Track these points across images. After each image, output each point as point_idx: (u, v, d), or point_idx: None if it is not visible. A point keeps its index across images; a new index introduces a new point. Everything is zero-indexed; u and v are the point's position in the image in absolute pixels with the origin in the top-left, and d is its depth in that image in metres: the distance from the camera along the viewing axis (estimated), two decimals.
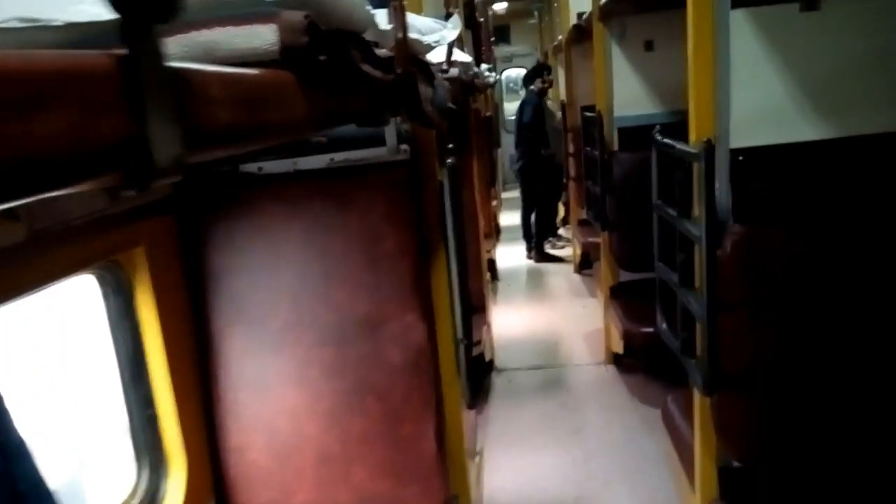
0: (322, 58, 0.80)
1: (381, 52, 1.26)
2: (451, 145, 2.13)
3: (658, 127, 2.19)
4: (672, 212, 1.92)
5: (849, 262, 1.70)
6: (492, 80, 7.73)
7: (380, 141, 1.80)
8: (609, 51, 3.66)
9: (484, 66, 5.41)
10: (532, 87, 6.52)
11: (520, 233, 7.46)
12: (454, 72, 2.60)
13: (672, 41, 3.68)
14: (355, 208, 1.78)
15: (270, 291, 1.82)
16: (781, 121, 1.73)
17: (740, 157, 1.72)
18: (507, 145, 11.98)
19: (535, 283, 6.20)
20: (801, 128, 1.73)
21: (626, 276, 3.91)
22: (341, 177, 1.81)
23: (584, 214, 5.94)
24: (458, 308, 1.97)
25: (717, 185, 1.70)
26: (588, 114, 3.99)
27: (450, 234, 1.87)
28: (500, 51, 11.53)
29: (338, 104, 0.98)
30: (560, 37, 6.57)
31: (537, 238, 6.86)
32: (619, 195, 3.64)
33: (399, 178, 1.76)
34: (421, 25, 1.49)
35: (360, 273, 1.78)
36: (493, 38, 9.43)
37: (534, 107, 6.38)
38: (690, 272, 1.86)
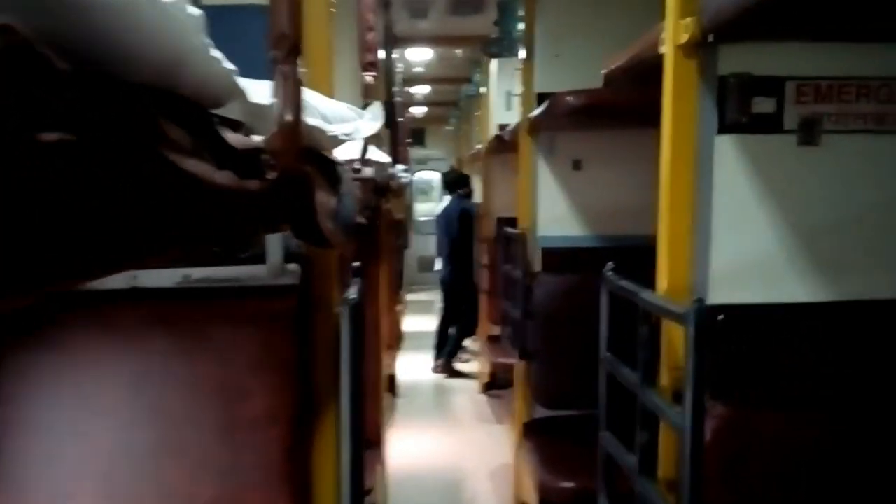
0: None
1: (256, 139, 0.80)
2: (357, 263, 1.67)
3: (611, 264, 1.82)
4: (633, 376, 1.51)
5: (859, 454, 1.34)
6: (406, 180, 7.48)
7: (258, 256, 1.31)
8: (536, 166, 3.39)
9: (399, 167, 5.09)
10: (457, 193, 6.26)
11: (423, 340, 7.01)
12: (368, 172, 2.19)
13: (603, 162, 3.47)
14: (212, 349, 1.25)
15: (72, 464, 1.23)
16: (771, 275, 1.39)
17: (720, 317, 1.36)
18: (417, 247, 11.73)
19: (438, 401, 5.67)
20: (793, 285, 1.39)
21: (542, 411, 3.50)
22: (197, 302, 1.29)
23: (494, 330, 5.58)
24: (347, 487, 1.44)
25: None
26: (510, 229, 3.68)
27: (345, 390, 1.37)
28: (415, 153, 11.47)
29: (143, 214, 0.50)
30: (478, 145, 6.43)
31: (451, 353, 6.41)
32: (542, 321, 3.27)
33: (281, 310, 1.27)
34: (328, 110, 1.06)
35: (209, 444, 1.23)
36: (409, 140, 9.31)
37: (462, 218, 6.10)
38: (654, 456, 1.45)
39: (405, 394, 5.75)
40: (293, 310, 1.26)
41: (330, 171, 1.03)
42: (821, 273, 1.38)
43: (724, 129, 1.35)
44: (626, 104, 2.67)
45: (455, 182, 6.39)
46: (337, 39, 2.22)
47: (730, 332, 1.37)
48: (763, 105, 1.35)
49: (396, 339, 5.59)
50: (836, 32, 1.30)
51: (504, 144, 4.90)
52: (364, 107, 1.92)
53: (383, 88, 3.61)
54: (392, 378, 5.48)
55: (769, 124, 1.36)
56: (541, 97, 3.32)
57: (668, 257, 1.39)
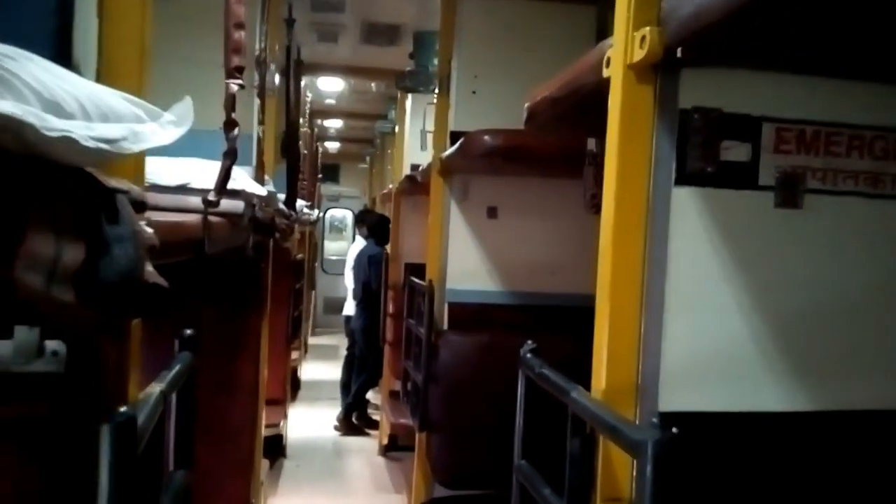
0: None
1: None
2: (189, 331, 1.21)
3: (530, 343, 1.45)
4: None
5: None
6: (312, 217, 6.99)
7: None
8: (447, 212, 3.04)
9: (301, 204, 4.63)
10: (372, 238, 5.82)
11: (325, 390, 6.52)
12: (231, 206, 1.75)
13: (521, 211, 3.16)
14: None
15: None
16: (737, 373, 1.05)
17: (674, 429, 1.00)
18: (325, 287, 11.15)
19: (331, 465, 5.10)
20: (765, 388, 1.06)
21: (443, 489, 3.08)
22: None
23: (397, 385, 5.13)
24: None
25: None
26: (416, 280, 3.29)
27: None
28: (328, 189, 10.99)
29: None
30: (390, 185, 6.07)
31: (350, 408, 5.87)
32: (446, 387, 2.87)
33: (19, 420, 0.80)
34: (86, 99, 0.63)
35: None
36: (320, 175, 8.84)
37: (375, 263, 5.64)
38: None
39: (295, 455, 5.16)
40: (44, 421, 0.80)
41: (76, 200, 0.61)
42: (801, 373, 1.06)
43: (683, 179, 1.02)
44: (550, 148, 2.37)
45: (375, 225, 5.94)
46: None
47: (683, 449, 1.00)
48: (734, 152, 1.03)
49: (287, 393, 5.03)
50: (830, 64, 1.00)
51: (416, 185, 4.55)
52: (224, 126, 1.50)
53: (280, 113, 3.19)
54: (279, 439, 4.90)
55: (741, 177, 1.04)
56: (455, 136, 3.00)
57: (607, 345, 1.02)
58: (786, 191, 1.04)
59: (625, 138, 1.00)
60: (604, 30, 2.38)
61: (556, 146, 2.38)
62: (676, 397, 1.02)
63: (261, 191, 2.09)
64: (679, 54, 0.90)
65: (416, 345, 3.13)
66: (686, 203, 1.02)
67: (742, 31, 0.87)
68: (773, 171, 1.04)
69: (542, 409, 1.41)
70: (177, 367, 1.02)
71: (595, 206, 2.27)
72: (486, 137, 2.39)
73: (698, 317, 1.03)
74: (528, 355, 1.37)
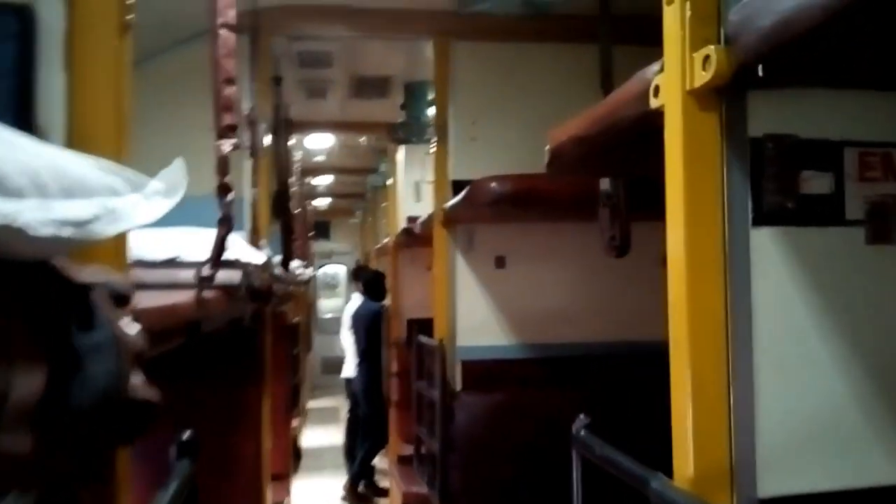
0: None
1: None
2: (188, 433, 1.03)
3: (583, 419, 1.28)
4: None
5: None
6: (307, 277, 6.82)
7: None
8: (453, 265, 2.88)
9: (296, 263, 4.47)
10: (368, 294, 5.65)
11: (327, 458, 6.23)
12: (227, 277, 1.58)
13: (530, 259, 3.01)
14: None
15: None
16: (842, 446, 0.89)
17: None
18: (321, 346, 10.89)
19: None
20: (875, 460, 0.89)
21: None
22: None
23: (406, 449, 4.88)
24: None
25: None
26: (425, 338, 3.11)
27: None
28: (320, 246, 10.85)
29: None
30: (385, 239, 5.93)
31: (357, 476, 5.58)
32: (465, 454, 2.67)
33: None
34: (48, 170, 0.48)
35: None
36: (312, 233, 8.71)
37: (373, 320, 5.46)
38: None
39: None
40: None
41: (33, 304, 0.45)
42: None
43: (761, 218, 0.87)
44: (561, 192, 2.24)
45: (370, 281, 5.76)
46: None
47: None
48: (815, 183, 0.89)
49: (288, 465, 4.77)
50: None
51: (413, 238, 4.41)
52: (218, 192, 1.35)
53: (271, 173, 3.06)
54: None
55: (825, 212, 0.89)
56: (456, 185, 2.87)
57: (692, 422, 0.85)
58: (876, 223, 0.90)
59: (691, 175, 0.86)
60: (609, 68, 2.28)
61: (568, 189, 2.25)
62: (776, 478, 0.85)
63: (257, 257, 1.94)
64: (760, 73, 0.77)
65: (429, 409, 2.93)
66: (767, 245, 0.87)
67: (829, 43, 0.74)
68: (860, 203, 0.90)
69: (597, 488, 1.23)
70: (175, 485, 0.84)
71: (615, 249, 2.12)
72: (494, 184, 2.26)
73: (793, 379, 0.87)
74: (583, 433, 1.18)
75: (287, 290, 3.14)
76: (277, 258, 3.12)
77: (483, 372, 2.82)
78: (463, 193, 2.46)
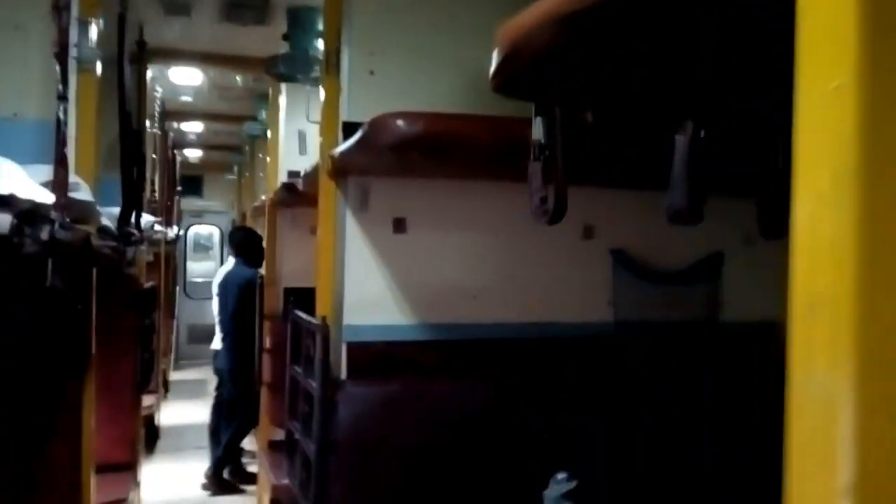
0: None
1: None
2: None
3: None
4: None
5: None
6: (169, 236, 5.99)
7: None
8: (342, 226, 2.34)
9: (149, 219, 3.74)
10: (241, 258, 4.96)
11: (190, 437, 5.59)
12: None
13: (433, 223, 2.52)
14: None
15: None
16: None
17: None
18: (189, 314, 9.93)
19: None
20: None
21: None
22: None
23: (278, 434, 4.31)
24: None
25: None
26: (302, 315, 2.55)
27: None
28: (190, 204, 9.84)
29: None
30: (263, 196, 5.24)
31: (219, 462, 4.94)
32: (348, 457, 2.17)
33: None
34: None
35: None
36: (179, 188, 7.78)
37: (245, 288, 4.78)
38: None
39: None
40: None
41: None
42: None
43: None
44: (483, 136, 1.76)
45: (243, 243, 5.07)
46: None
47: None
48: None
49: (135, 453, 4.06)
50: None
51: (296, 195, 3.80)
52: None
53: (96, 90, 2.37)
54: None
55: None
56: (348, 129, 2.33)
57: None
58: None
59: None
60: None
61: (492, 135, 1.78)
62: None
63: (51, 197, 1.32)
64: None
65: (305, 399, 2.40)
66: None
67: None
68: None
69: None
70: None
71: (545, 214, 1.69)
72: (400, 122, 1.74)
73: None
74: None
75: (122, 251, 2.47)
76: (114, 210, 2.45)
77: (373, 357, 2.32)
78: (359, 133, 1.93)
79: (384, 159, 2.06)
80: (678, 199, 1.29)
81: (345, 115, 2.37)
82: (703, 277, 2.72)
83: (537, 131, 1.60)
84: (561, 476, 0.87)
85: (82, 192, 1.73)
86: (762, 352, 2.86)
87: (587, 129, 1.77)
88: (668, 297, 2.68)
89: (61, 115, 1.52)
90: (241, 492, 4.85)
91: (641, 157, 1.89)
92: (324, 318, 2.27)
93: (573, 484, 0.85)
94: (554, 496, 0.83)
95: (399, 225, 2.39)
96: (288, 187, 3.85)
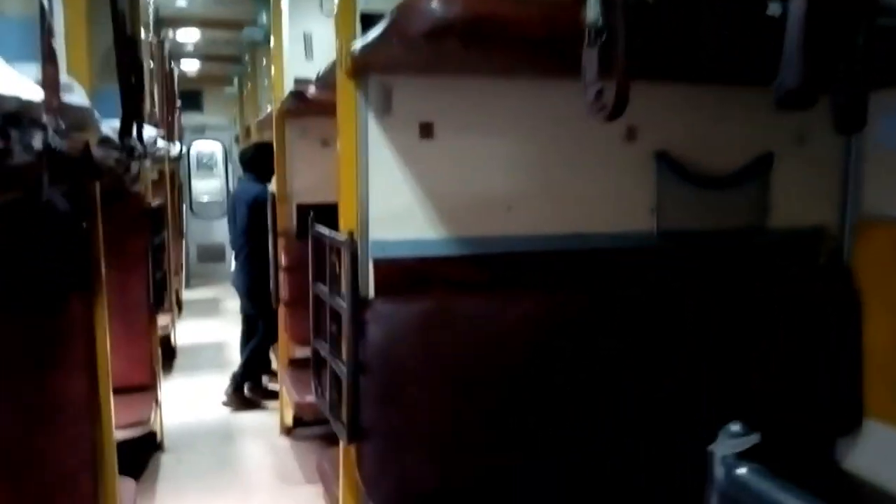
0: None
1: None
2: None
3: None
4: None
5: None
6: (172, 153, 5.78)
7: None
8: (364, 133, 2.13)
9: (152, 132, 3.52)
10: (251, 174, 4.79)
11: (206, 356, 5.65)
12: None
13: (464, 127, 2.30)
14: None
15: None
16: None
17: None
18: (197, 234, 9.82)
19: (223, 454, 4.18)
20: None
21: None
22: None
23: (299, 352, 4.26)
24: None
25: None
26: (325, 230, 2.37)
27: None
28: (191, 119, 9.53)
29: None
30: (269, 107, 4.97)
31: (240, 378, 4.93)
32: (380, 378, 2.05)
33: None
34: None
35: None
36: (179, 104, 7.48)
37: (255, 206, 4.61)
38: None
39: (175, 446, 4.21)
40: None
41: None
42: None
43: None
44: (534, 20, 1.53)
45: (252, 158, 4.88)
46: None
47: None
48: None
49: (157, 374, 4.02)
50: None
51: (305, 103, 3.56)
52: None
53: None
54: (152, 434, 3.92)
55: None
56: (366, 21, 2.08)
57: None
58: None
59: None
60: None
61: (542, 18, 1.54)
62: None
63: (41, 95, 1.12)
64: None
65: (333, 319, 2.26)
66: None
67: None
68: None
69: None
70: None
71: (603, 108, 1.48)
72: (435, 5, 1.50)
73: None
74: (744, 470, 0.56)
75: (127, 163, 2.28)
76: (114, 122, 2.24)
77: (403, 274, 2.17)
78: (386, 21, 1.68)
79: (413, 53, 1.82)
80: (791, 76, 1.09)
81: (362, 5, 2.11)
82: (752, 181, 2.52)
83: (593, 12, 1.38)
84: (735, 427, 0.71)
85: (77, 94, 1.52)
86: (811, 259, 2.71)
87: (649, 8, 1.54)
88: (714, 203, 2.49)
89: (45, 1, 1.29)
90: (264, 408, 4.85)
91: (715, 41, 1.65)
92: (350, 233, 2.10)
93: (754, 438, 0.69)
94: (727, 454, 0.69)
95: (426, 130, 2.17)
96: (297, 95, 3.60)
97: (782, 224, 2.57)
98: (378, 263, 2.16)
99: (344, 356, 2.09)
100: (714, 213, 2.49)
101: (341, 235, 2.15)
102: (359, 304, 2.10)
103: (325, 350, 2.35)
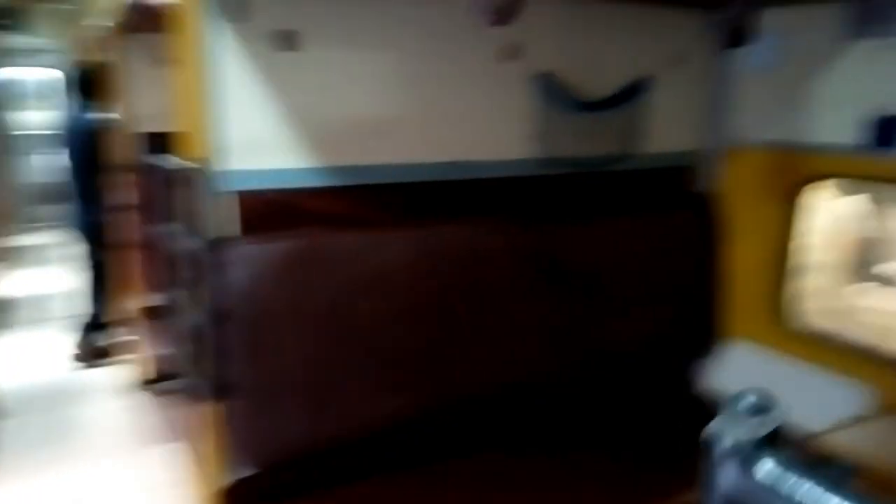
0: None
1: None
2: None
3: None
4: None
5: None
6: None
7: None
8: (213, 42, 1.81)
9: None
10: (87, 100, 4.18)
11: (45, 311, 5.03)
12: None
13: (335, 39, 2.03)
14: None
15: None
16: None
17: None
18: (27, 172, 8.72)
19: (74, 415, 3.77)
20: None
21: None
22: None
23: (154, 300, 3.86)
24: None
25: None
26: (166, 159, 2.05)
27: None
28: (9, 41, 8.29)
29: None
30: (106, 23, 4.33)
31: (85, 330, 4.43)
32: (248, 327, 1.82)
33: None
34: None
35: None
36: None
37: (91, 137, 4.04)
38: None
39: (18, 409, 3.74)
40: None
41: None
42: None
43: None
44: None
45: (79, 80, 4.27)
46: None
47: None
48: None
49: None
50: None
51: (146, 18, 3.08)
52: None
53: None
54: None
55: None
56: None
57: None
58: None
59: None
60: None
61: None
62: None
63: None
64: None
65: (188, 264, 1.98)
66: None
67: None
68: None
69: None
70: None
71: (496, 11, 1.32)
72: None
73: None
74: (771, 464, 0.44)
75: None
76: None
77: (269, 209, 1.92)
78: None
79: None
80: None
81: None
82: (631, 104, 2.47)
83: None
84: (750, 399, 0.57)
85: None
86: (683, 185, 2.74)
87: None
88: (595, 128, 2.41)
89: None
90: (115, 361, 4.42)
91: None
92: (199, 163, 1.81)
93: (779, 416, 0.55)
94: (741, 440, 0.54)
95: (289, 40, 1.89)
96: (137, 9, 3.10)
97: (657, 149, 2.55)
98: (241, 197, 1.89)
99: (203, 304, 1.83)
100: (594, 139, 2.42)
101: (192, 165, 1.85)
102: (217, 244, 1.83)
103: (180, 298, 2.07)
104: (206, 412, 2.05)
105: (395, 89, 2.04)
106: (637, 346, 2.43)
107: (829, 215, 3.17)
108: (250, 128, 1.86)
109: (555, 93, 2.29)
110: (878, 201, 3.40)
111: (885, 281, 3.47)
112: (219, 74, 1.81)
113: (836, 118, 2.22)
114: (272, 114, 1.89)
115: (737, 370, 2.56)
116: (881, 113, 2.11)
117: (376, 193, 2.04)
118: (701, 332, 2.60)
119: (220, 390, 1.83)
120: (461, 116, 2.16)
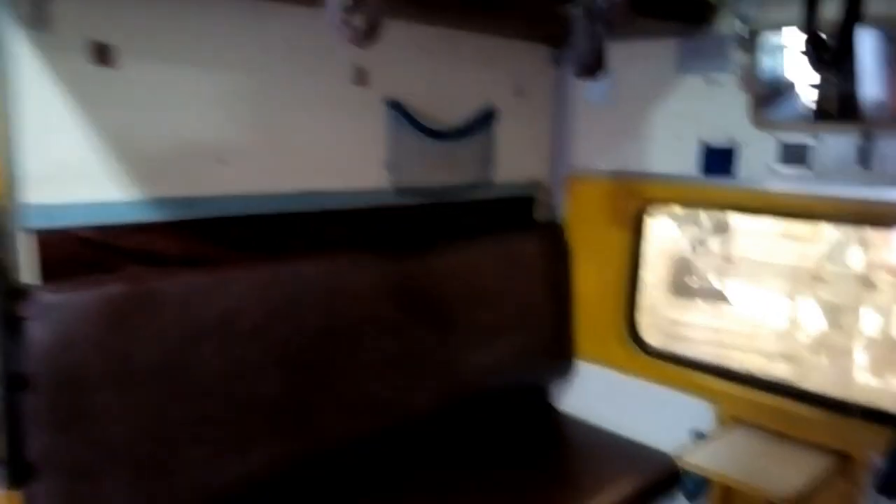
0: None
1: None
2: None
3: None
4: None
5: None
6: None
7: None
8: (8, 54, 1.50)
9: None
10: None
11: None
12: None
13: (160, 52, 1.77)
14: None
15: None
16: None
17: None
18: None
19: None
20: None
21: None
22: None
23: None
24: None
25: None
26: None
27: None
28: None
29: None
30: None
31: None
32: (56, 395, 1.50)
33: None
34: None
35: None
36: None
37: None
38: None
39: None
40: None
41: None
42: None
43: None
44: None
45: None
46: None
47: None
48: None
49: None
50: None
51: None
52: None
53: None
54: None
55: None
56: None
57: None
58: None
59: None
60: None
61: None
62: None
63: None
64: None
65: None
66: None
67: None
68: None
69: None
70: None
71: (355, 31, 1.21)
72: None
73: None
74: None
75: None
76: None
77: (80, 250, 1.61)
78: None
79: None
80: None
81: None
82: (479, 134, 2.44)
83: None
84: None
85: None
86: (529, 213, 2.76)
87: None
88: (446, 157, 2.36)
89: None
90: None
91: None
92: None
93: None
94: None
95: (102, 53, 1.61)
96: None
97: (505, 178, 2.55)
98: (42, 237, 1.57)
99: None
100: (447, 169, 2.37)
101: None
102: (12, 295, 1.50)
103: None
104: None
105: (236, 112, 1.83)
106: (495, 372, 2.38)
107: (659, 238, 3.38)
108: (55, 154, 1.56)
109: (405, 120, 2.20)
110: (697, 223, 3.70)
111: (696, 294, 3.77)
112: (14, 90, 1.50)
113: (669, 148, 2.35)
114: (83, 138, 1.60)
115: (588, 391, 2.60)
116: (706, 143, 2.26)
117: (216, 228, 1.81)
118: (555, 354, 2.62)
119: (17, 474, 1.49)
120: (311, 142, 2.00)
